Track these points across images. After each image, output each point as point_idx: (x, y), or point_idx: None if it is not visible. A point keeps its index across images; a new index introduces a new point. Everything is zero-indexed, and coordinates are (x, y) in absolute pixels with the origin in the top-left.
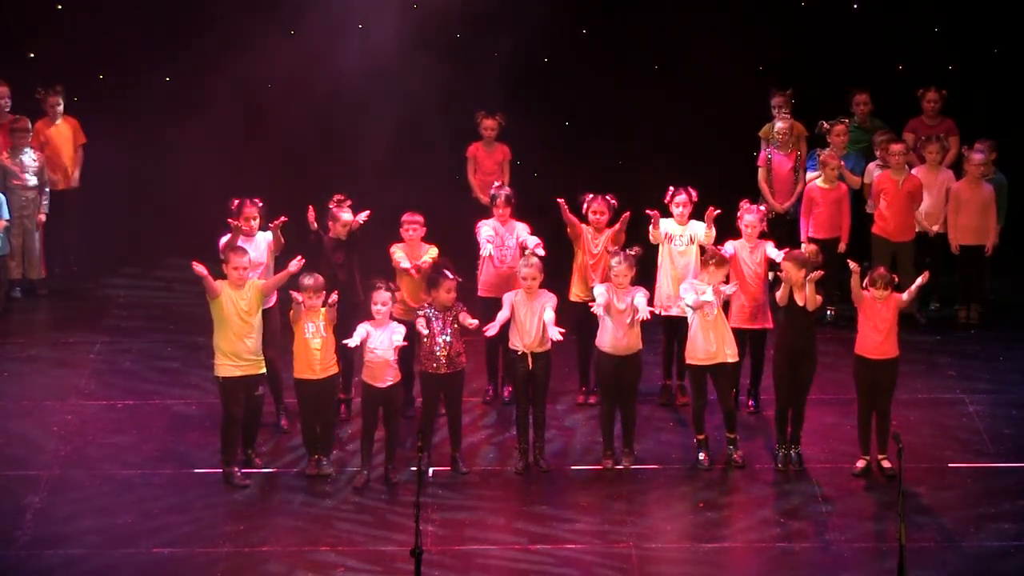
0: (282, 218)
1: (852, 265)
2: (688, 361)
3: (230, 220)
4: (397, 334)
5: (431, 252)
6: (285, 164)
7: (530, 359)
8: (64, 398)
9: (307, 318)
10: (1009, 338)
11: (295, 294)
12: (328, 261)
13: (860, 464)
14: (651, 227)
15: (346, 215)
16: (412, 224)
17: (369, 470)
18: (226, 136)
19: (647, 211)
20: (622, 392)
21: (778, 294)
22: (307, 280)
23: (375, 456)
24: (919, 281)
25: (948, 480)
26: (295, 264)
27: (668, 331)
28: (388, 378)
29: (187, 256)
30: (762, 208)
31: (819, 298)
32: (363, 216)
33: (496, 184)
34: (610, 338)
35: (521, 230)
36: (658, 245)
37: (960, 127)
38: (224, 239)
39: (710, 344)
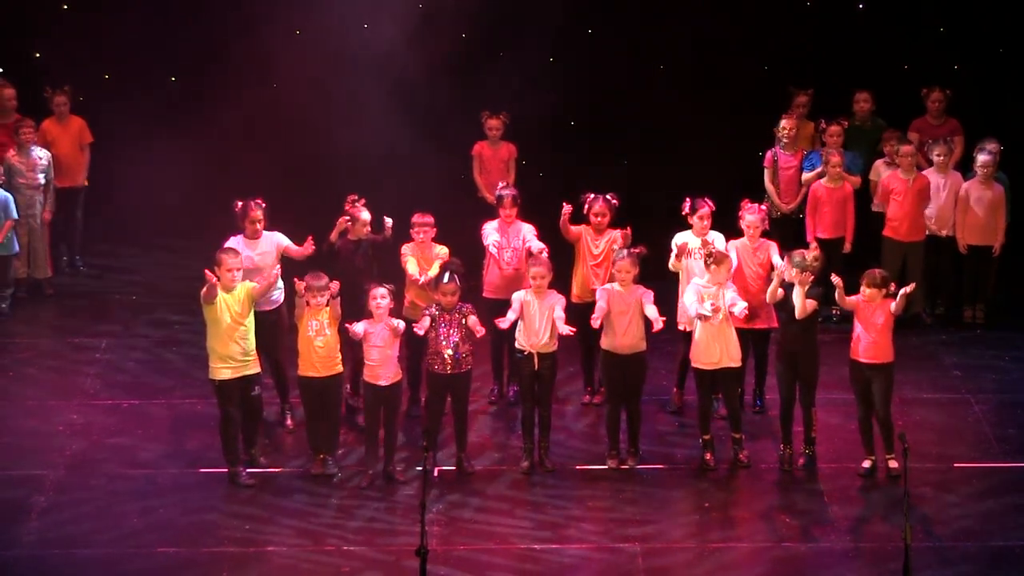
0: (309, 239)
1: (835, 280)
2: (694, 364)
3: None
4: (397, 324)
5: (442, 252)
6: (290, 164)
7: (536, 359)
8: (69, 398)
9: (310, 315)
10: (1014, 338)
11: (297, 282)
12: (348, 268)
13: (866, 464)
14: (674, 257)
15: (364, 214)
16: (423, 227)
17: (374, 469)
18: (231, 136)
19: (675, 244)
20: (627, 392)
21: (768, 290)
22: (310, 279)
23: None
24: (906, 290)
25: (954, 480)
26: (274, 276)
27: (687, 345)
28: (388, 376)
29: (192, 256)
30: (763, 207)
31: (812, 303)
32: (389, 222)
33: (501, 184)
34: (614, 338)
35: (527, 232)
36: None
37: (964, 127)
38: (229, 242)
39: (714, 352)
